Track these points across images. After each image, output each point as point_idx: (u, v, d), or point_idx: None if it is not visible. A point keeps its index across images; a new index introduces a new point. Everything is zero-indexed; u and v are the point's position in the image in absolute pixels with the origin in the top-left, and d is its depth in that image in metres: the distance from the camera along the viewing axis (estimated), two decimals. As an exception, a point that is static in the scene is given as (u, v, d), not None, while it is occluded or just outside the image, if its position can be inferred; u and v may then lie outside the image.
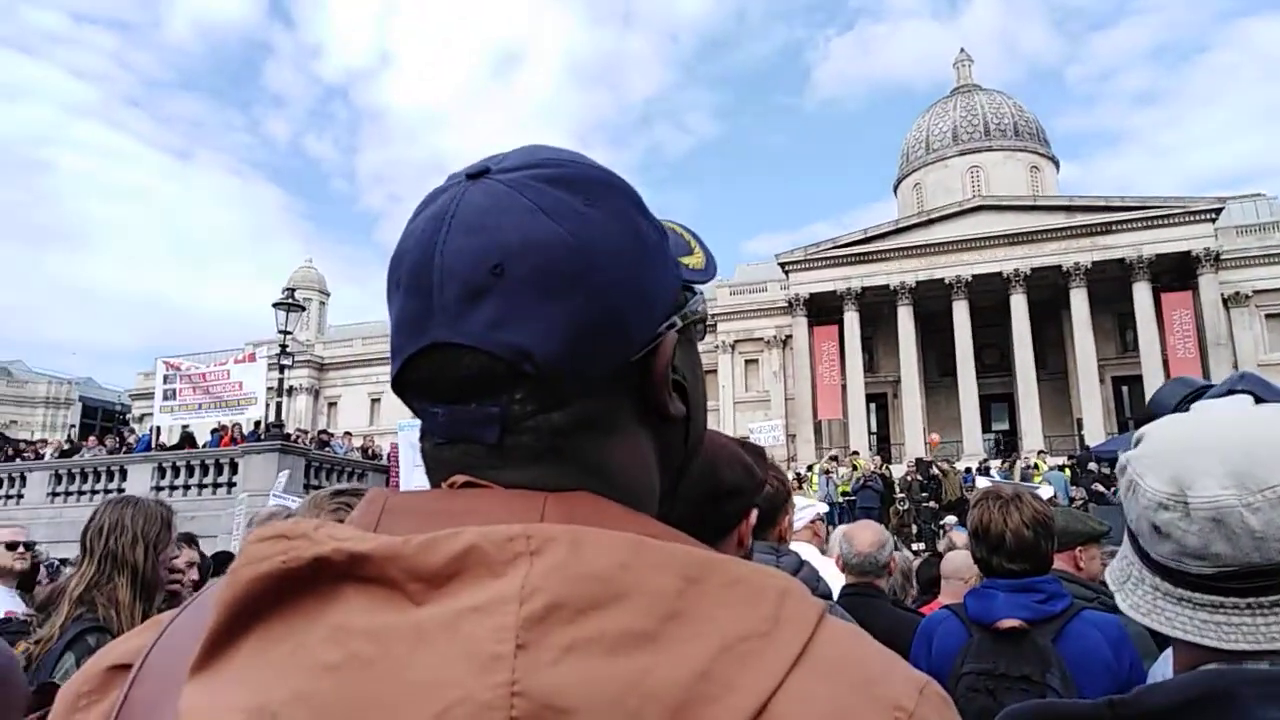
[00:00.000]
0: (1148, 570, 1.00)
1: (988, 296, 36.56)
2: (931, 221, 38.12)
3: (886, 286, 37.73)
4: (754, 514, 1.63)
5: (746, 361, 42.18)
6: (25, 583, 4.38)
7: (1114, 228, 35.13)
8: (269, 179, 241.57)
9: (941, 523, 16.12)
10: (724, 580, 0.48)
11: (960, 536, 8.08)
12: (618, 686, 0.43)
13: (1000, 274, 36.21)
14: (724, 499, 1.46)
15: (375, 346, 46.94)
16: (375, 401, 46.58)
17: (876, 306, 38.43)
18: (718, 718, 0.43)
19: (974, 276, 36.55)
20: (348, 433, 28.04)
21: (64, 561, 9.86)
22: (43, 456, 23.09)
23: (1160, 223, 34.65)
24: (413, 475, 16.03)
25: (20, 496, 19.72)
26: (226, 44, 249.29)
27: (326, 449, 22.34)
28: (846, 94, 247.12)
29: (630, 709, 0.42)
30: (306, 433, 27.03)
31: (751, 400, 40.99)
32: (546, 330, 0.53)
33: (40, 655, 2.51)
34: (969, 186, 43.47)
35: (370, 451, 24.67)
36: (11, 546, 4.29)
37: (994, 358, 38.21)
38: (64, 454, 23.38)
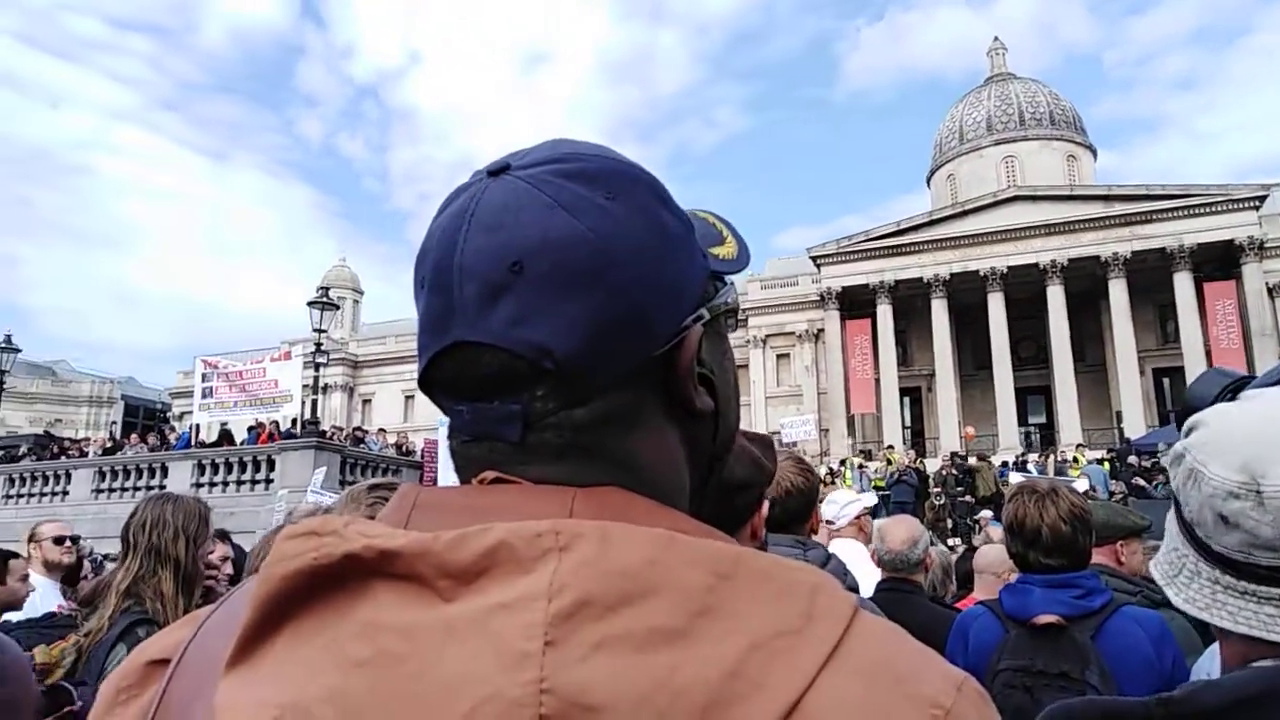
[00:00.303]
0: (1205, 563, 0.96)
1: (1024, 288, 36.05)
2: (966, 213, 37.66)
3: (920, 279, 37.33)
4: (765, 505, 1.62)
5: (778, 356, 42.01)
6: (70, 576, 4.49)
7: (1154, 217, 34.46)
8: (302, 179, 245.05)
9: (977, 517, 15.95)
10: (755, 576, 0.47)
11: (997, 531, 8.02)
12: (647, 684, 0.42)
13: (1037, 265, 35.68)
14: (734, 493, 1.45)
15: (408, 344, 47.32)
16: (409, 398, 47.11)
17: (910, 299, 38.05)
18: (748, 717, 0.43)
19: (1009, 268, 36.06)
20: (382, 429, 28.34)
21: (107, 557, 10.08)
22: (87, 454, 23.61)
23: (1202, 211, 33.93)
24: (449, 471, 16.14)
25: (66, 493, 20.15)
26: (259, 46, 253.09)
27: (361, 445, 22.57)
28: (877, 85, 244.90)
29: (659, 707, 0.42)
30: (342, 429, 27.37)
31: (783, 395, 40.82)
32: (566, 327, 0.53)
33: (90, 647, 2.56)
34: (1004, 177, 42.87)
35: (404, 448, 24.89)
36: (59, 541, 4.43)
37: (1030, 350, 37.68)
38: (107, 451, 23.86)
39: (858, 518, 3.84)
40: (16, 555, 3.96)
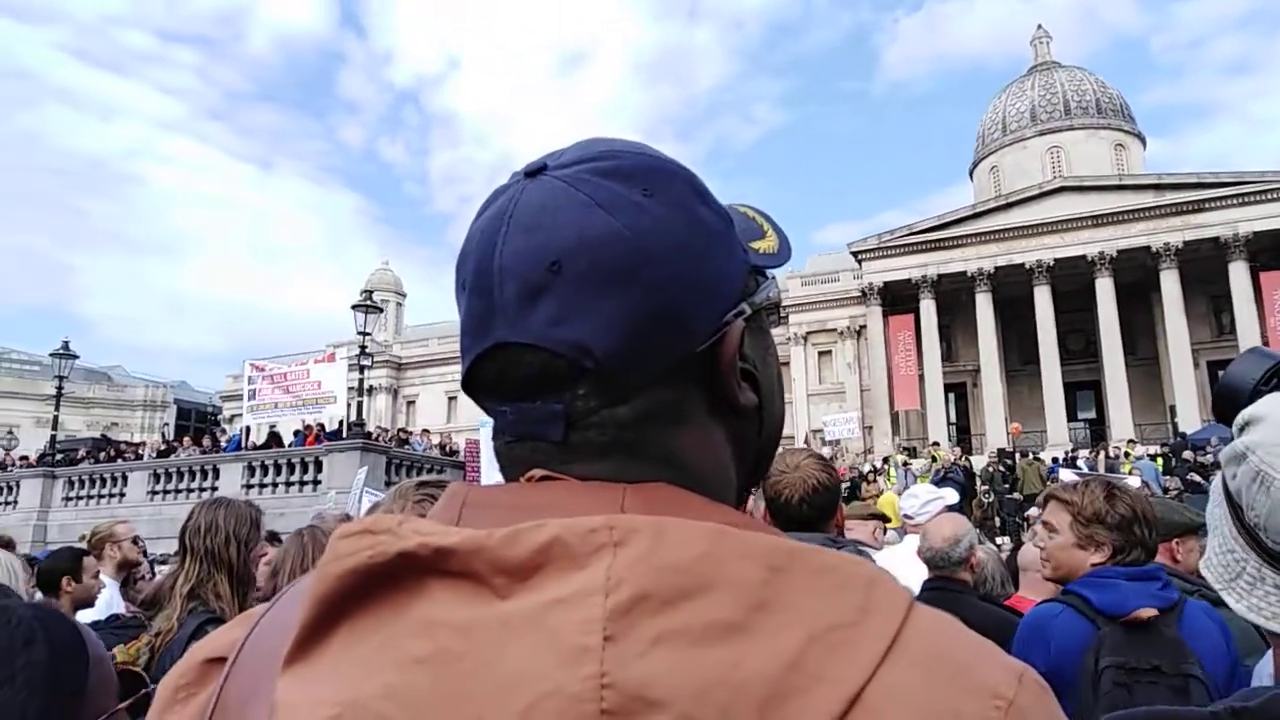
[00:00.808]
0: (1271, 568, 0.91)
1: (1071, 280, 35.32)
2: (1010, 205, 36.99)
3: (964, 273, 36.77)
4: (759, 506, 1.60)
5: (820, 353, 41.67)
6: (129, 576, 4.66)
7: (1207, 205, 33.55)
8: (345, 184, 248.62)
9: (1025, 514, 15.67)
10: (810, 569, 0.47)
11: (1045, 529, 7.82)
12: (707, 678, 0.42)
13: (1084, 257, 34.94)
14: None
15: (450, 346, 47.76)
16: (452, 399, 47.59)
17: (954, 294, 37.50)
18: (808, 710, 0.42)
19: (1056, 260, 35.36)
20: (426, 430, 28.67)
21: (162, 557, 10.34)
22: (142, 457, 24.21)
23: (1257, 199, 32.92)
24: (492, 471, 16.23)
25: (123, 495, 20.72)
26: (302, 55, 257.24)
27: (406, 446, 22.87)
28: (916, 77, 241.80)
29: (720, 702, 0.42)
30: (387, 431, 27.74)
31: (825, 392, 40.50)
32: (605, 325, 0.53)
33: (162, 647, 2.64)
34: (1049, 168, 42.05)
35: (448, 448, 25.16)
36: (135, 541, 4.73)
37: (1079, 344, 36.92)
38: (160, 454, 24.45)
39: (939, 514, 3.78)
40: (89, 553, 4.13)
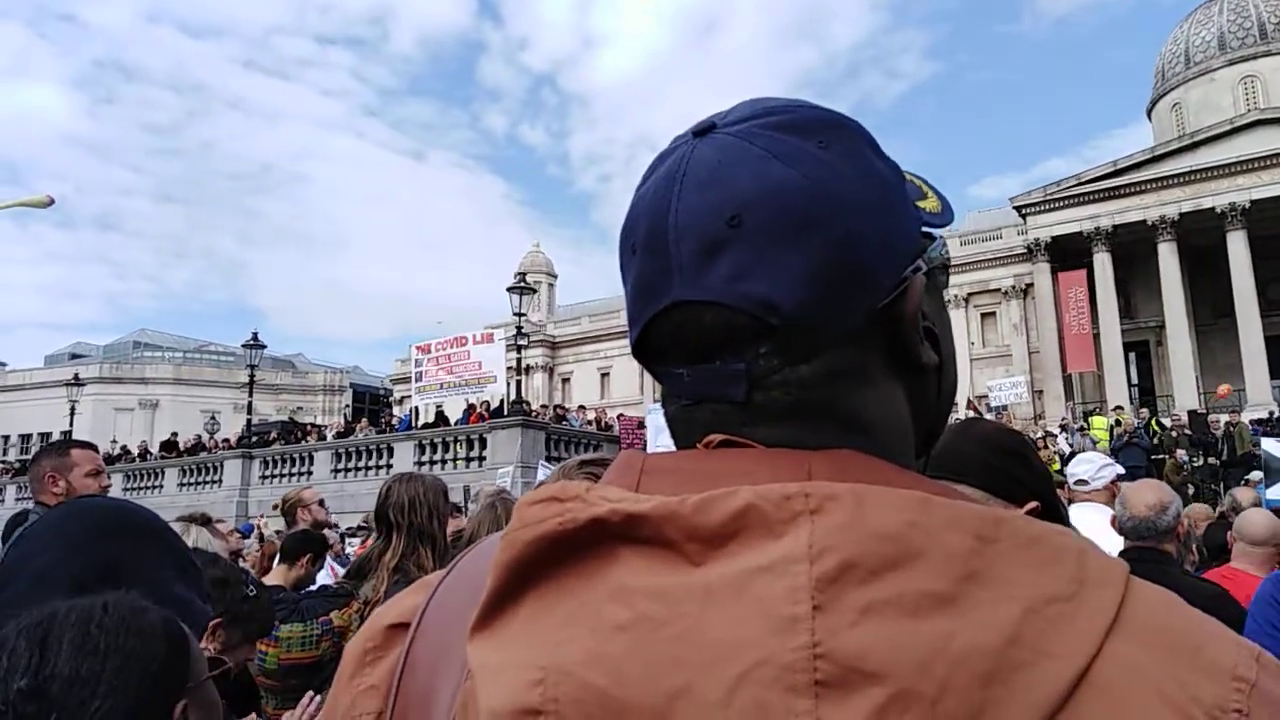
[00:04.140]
0: None
1: (1271, 224, 31.90)
2: (1196, 144, 33.70)
3: (1143, 222, 33.90)
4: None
5: (982, 315, 39.70)
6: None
7: None
8: (491, 170, 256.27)
9: (1247, 477, 14.33)
10: (1019, 539, 0.45)
11: (1247, 494, 7.10)
12: (924, 650, 0.41)
13: (1286, 196, 31.45)
14: None
15: (602, 323, 48.85)
16: (604, 376, 48.53)
17: (1131, 245, 34.67)
18: (1034, 685, 0.41)
19: (1252, 203, 31.99)
20: (581, 406, 29.37)
21: (349, 530, 11.07)
22: (325, 438, 26.11)
23: None
24: (654, 445, 16.48)
25: (310, 473, 22.35)
26: (444, 48, 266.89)
27: (563, 423, 23.51)
28: (1077, 12, 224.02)
29: (939, 675, 0.40)
30: (546, 408, 28.62)
31: (990, 356, 38.56)
32: (789, 279, 0.51)
33: (369, 613, 2.81)
34: (1241, 100, 37.96)
35: (603, 423, 25.69)
36: (321, 504, 5.21)
37: (1281, 293, 33.40)
38: (339, 435, 26.29)
39: (1112, 483, 3.54)
40: (329, 545, 4.54)
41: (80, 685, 0.94)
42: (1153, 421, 20.49)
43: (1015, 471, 1.63)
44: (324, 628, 2.96)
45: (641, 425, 19.53)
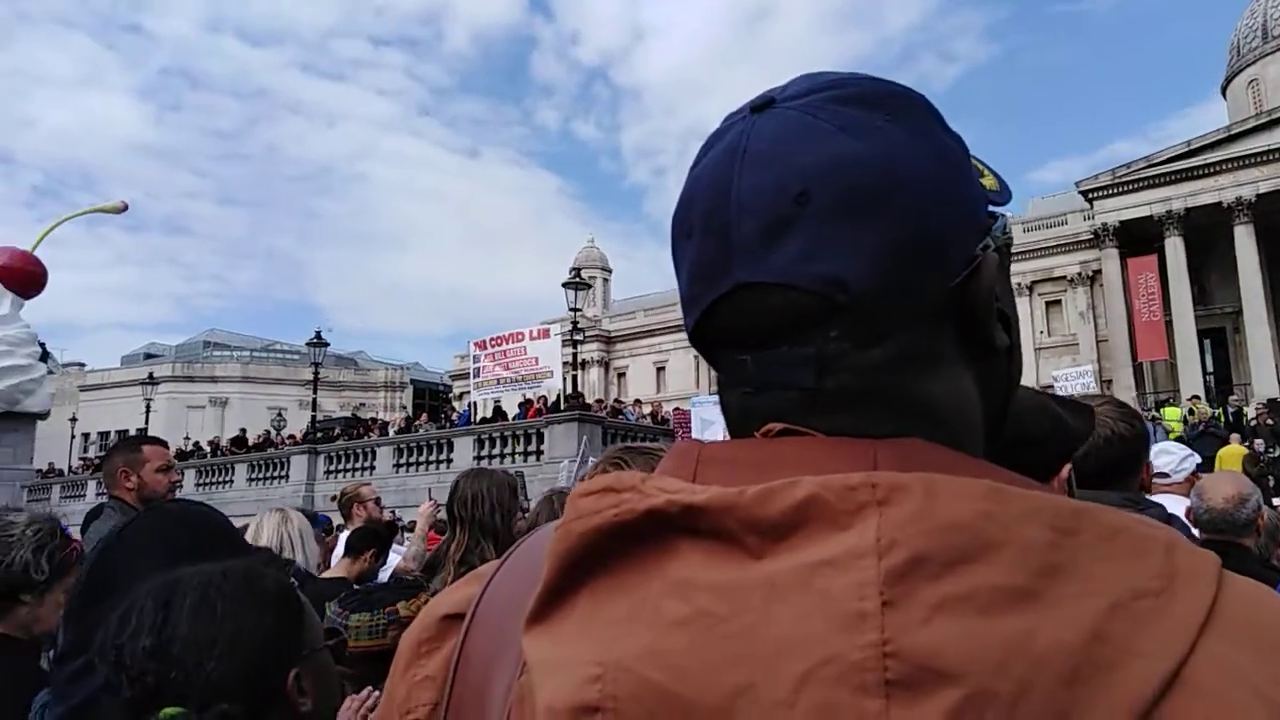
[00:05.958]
0: None
1: (1357, 203, 30.42)
2: (1275, 122, 32.27)
3: (1219, 204, 32.59)
4: (1066, 468, 1.42)
5: (1047, 303, 38.65)
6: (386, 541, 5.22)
7: None
8: (544, 166, 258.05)
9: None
10: (1101, 532, 0.43)
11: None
12: (1001, 649, 0.39)
13: (1374, 174, 29.96)
14: (1018, 448, 1.27)
15: (656, 317, 48.79)
16: (660, 370, 48.56)
17: (1205, 229, 33.34)
18: (1122, 687, 0.39)
19: (1336, 181, 30.56)
20: (637, 400, 29.48)
21: (410, 524, 11.26)
22: (387, 433, 26.62)
23: None
24: (707, 436, 16.41)
25: (373, 468, 22.80)
26: (496, 45, 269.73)
27: (619, 417, 23.60)
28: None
29: (1018, 675, 0.38)
30: (602, 402, 28.77)
31: (1055, 345, 37.54)
32: (861, 257, 0.49)
33: None
34: (1323, 74, 36.30)
35: (659, 417, 25.73)
36: (378, 501, 5.38)
37: (1369, 276, 31.82)
38: (400, 431, 26.78)
39: (1194, 474, 3.44)
40: (393, 540, 4.68)
41: (197, 647, 0.99)
42: (1222, 412, 19.76)
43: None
44: (390, 618, 3.05)
45: (697, 418, 19.49)
